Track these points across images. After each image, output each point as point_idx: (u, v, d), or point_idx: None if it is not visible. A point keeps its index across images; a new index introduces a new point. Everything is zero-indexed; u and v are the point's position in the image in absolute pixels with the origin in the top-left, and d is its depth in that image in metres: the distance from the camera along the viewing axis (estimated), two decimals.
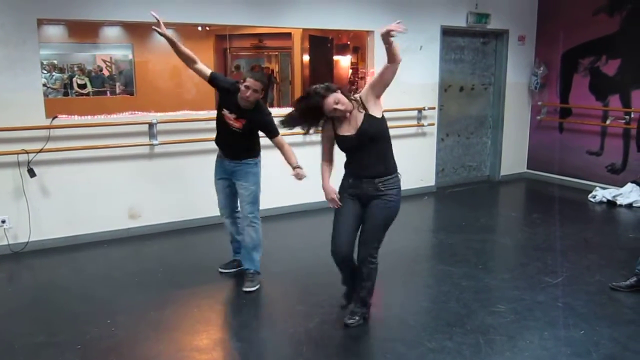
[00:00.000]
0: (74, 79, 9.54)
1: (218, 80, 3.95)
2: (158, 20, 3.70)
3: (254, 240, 4.03)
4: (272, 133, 3.88)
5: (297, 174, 3.70)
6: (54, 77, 9.36)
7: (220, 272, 4.28)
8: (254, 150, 4.03)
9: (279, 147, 3.88)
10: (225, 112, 3.90)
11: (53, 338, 3.28)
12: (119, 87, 10.01)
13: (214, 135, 5.31)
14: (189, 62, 3.83)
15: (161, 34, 3.71)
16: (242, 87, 3.74)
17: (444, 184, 7.30)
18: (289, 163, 3.78)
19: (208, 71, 3.90)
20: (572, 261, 4.54)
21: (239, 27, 9.25)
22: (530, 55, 7.63)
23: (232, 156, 4.01)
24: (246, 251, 4.09)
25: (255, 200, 4.03)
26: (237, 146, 3.98)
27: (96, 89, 9.73)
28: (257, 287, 4.00)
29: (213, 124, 5.36)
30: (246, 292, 3.94)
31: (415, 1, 6.51)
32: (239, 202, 4.13)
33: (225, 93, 3.92)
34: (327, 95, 3.12)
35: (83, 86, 9.61)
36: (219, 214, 4.05)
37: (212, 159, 5.41)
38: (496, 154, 7.72)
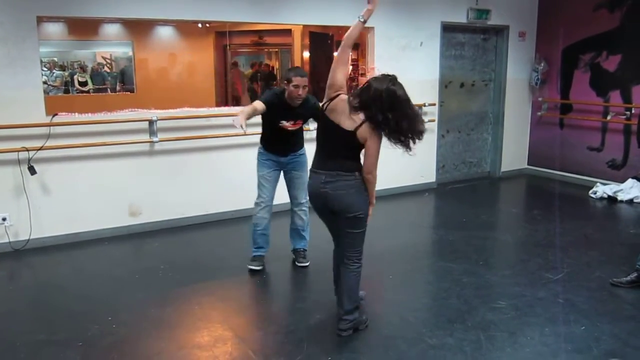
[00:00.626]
0: (75, 77, 9.54)
1: (270, 101, 3.92)
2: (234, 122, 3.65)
3: (305, 221, 4.35)
4: None
5: None
6: (54, 75, 9.36)
7: (252, 270, 4.25)
8: (303, 141, 4.29)
9: None
10: (283, 123, 4.00)
11: (54, 336, 3.29)
12: (119, 85, 10.01)
13: (214, 133, 5.38)
14: (255, 114, 3.87)
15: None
16: (290, 88, 3.85)
17: (445, 181, 7.29)
18: None
19: (261, 104, 3.87)
20: (572, 257, 4.54)
21: (239, 24, 9.23)
22: (531, 51, 7.62)
23: (289, 151, 4.20)
24: (298, 232, 4.38)
25: (306, 186, 4.23)
26: (293, 142, 4.21)
27: (97, 87, 9.73)
28: (309, 262, 4.39)
29: (213, 121, 5.44)
30: (302, 266, 4.36)
31: None
32: (294, 190, 4.30)
33: (271, 107, 3.91)
34: None
35: (84, 83, 9.60)
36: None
37: (212, 156, 5.47)
38: (497, 150, 7.71)
